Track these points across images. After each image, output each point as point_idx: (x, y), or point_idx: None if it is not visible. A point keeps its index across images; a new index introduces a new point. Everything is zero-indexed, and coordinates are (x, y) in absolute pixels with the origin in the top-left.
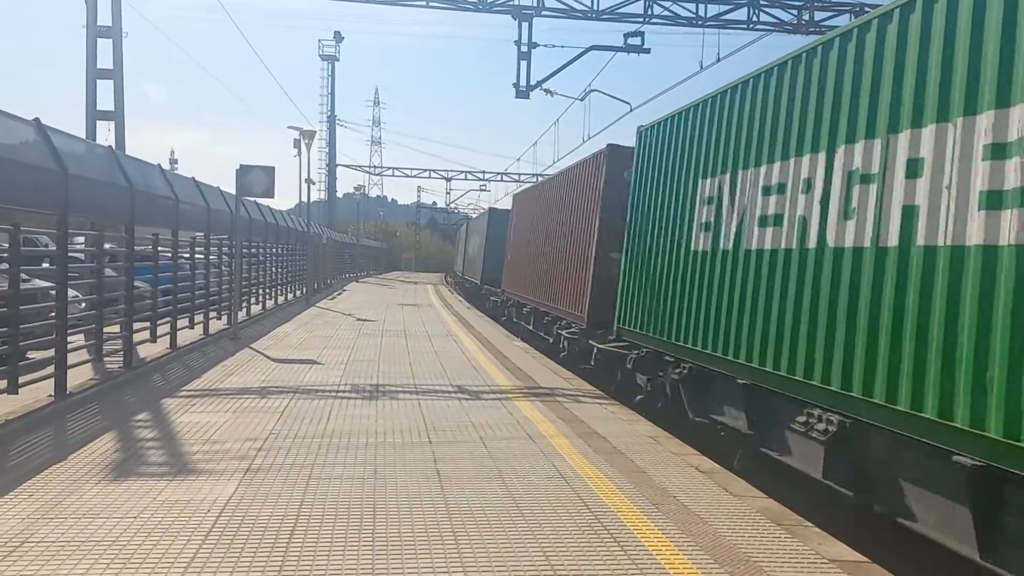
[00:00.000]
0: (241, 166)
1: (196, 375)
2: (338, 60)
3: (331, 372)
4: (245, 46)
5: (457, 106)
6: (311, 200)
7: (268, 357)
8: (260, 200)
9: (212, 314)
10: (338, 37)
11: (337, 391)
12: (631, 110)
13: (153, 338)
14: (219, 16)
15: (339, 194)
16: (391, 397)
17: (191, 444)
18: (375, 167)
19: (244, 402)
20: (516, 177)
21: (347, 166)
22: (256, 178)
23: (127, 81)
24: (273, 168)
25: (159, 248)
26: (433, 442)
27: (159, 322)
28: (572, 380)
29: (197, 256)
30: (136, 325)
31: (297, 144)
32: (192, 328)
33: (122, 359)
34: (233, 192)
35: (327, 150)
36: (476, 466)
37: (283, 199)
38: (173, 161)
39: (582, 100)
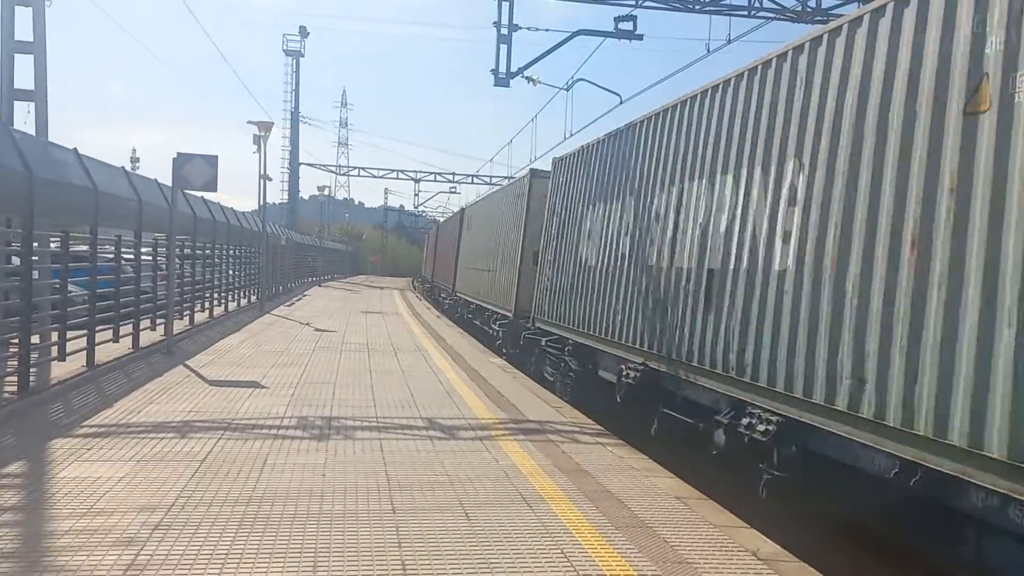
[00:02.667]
0: (179, 154)
1: (108, 403)
2: (303, 56)
3: (275, 399)
4: (211, 46)
5: (427, 109)
6: (274, 202)
7: (203, 378)
8: (210, 196)
9: (147, 324)
10: (303, 32)
11: (279, 427)
12: (621, 102)
13: (61, 355)
14: (181, 12)
15: (305, 196)
16: (346, 436)
17: (63, 519)
18: (340, 166)
19: (156, 445)
20: (488, 180)
21: (311, 164)
22: (196, 168)
23: (89, 76)
24: (216, 157)
25: (70, 247)
26: (398, 510)
27: (71, 335)
28: (563, 409)
29: (127, 257)
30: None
31: (257, 140)
32: (117, 341)
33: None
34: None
35: (290, 148)
36: (459, 556)
37: (245, 199)
38: (135, 160)
39: (568, 90)
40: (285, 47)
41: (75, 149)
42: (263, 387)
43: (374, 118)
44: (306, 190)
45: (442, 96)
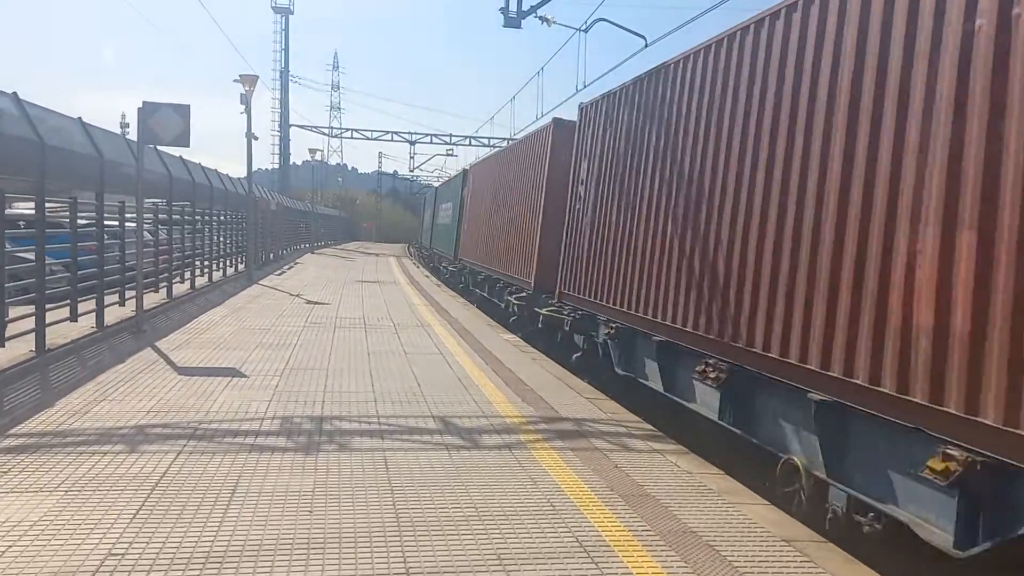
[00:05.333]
0: (145, 103)
1: (48, 401)
2: (292, 13)
3: (256, 391)
4: (202, 10)
5: (426, 68)
6: (265, 167)
7: (173, 364)
8: (203, 160)
9: (120, 298)
10: None
11: (258, 432)
12: (646, 45)
13: None
14: None
15: (298, 162)
16: (341, 445)
17: None
18: (333, 128)
19: (97, 463)
20: (486, 141)
21: (301, 126)
22: (166, 120)
23: (78, 40)
24: (187, 107)
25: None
26: (412, 574)
27: (20, 314)
28: (600, 401)
29: (86, 222)
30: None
31: (244, 99)
32: (75, 320)
33: None
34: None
35: (279, 110)
36: None
37: (235, 164)
38: (124, 124)
39: (585, 31)
40: (274, 3)
41: (14, 93)
42: (242, 375)
43: (368, 79)
44: (299, 155)
45: (443, 55)
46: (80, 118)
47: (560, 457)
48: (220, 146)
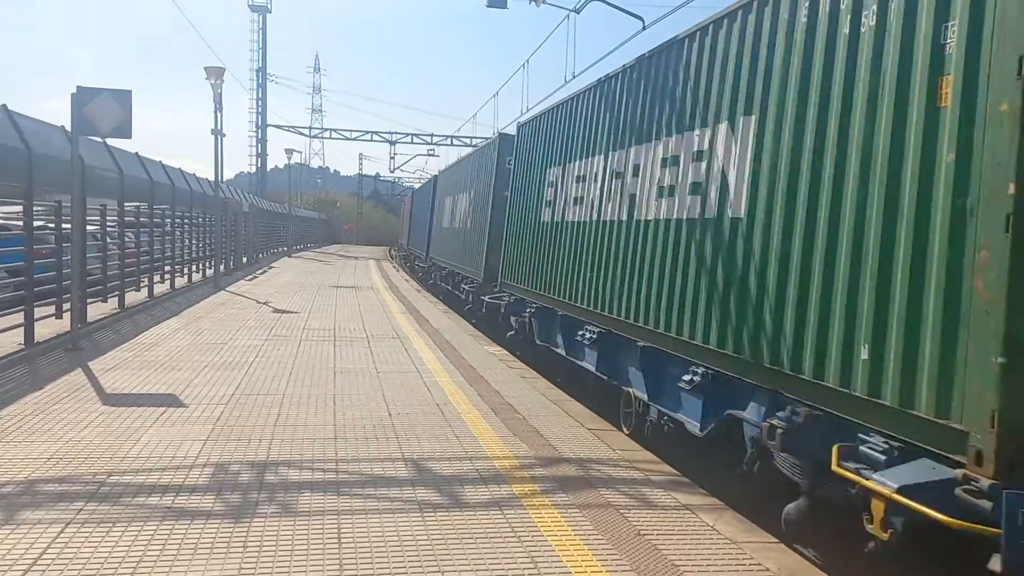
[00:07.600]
0: (79, 89)
1: None
2: (270, 12)
3: (192, 427)
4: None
5: (407, 65)
6: (243, 171)
7: (101, 391)
8: (187, 166)
9: (52, 309)
10: None
11: (181, 488)
12: (644, 28)
13: None
14: None
15: (279, 165)
16: (284, 507)
17: None
18: (312, 127)
19: None
20: (468, 140)
21: (279, 127)
22: (104, 108)
23: (56, 44)
24: (129, 93)
25: None
26: None
27: None
28: (605, 433)
29: (9, 223)
30: None
31: (216, 98)
32: None
33: None
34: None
35: (257, 110)
36: None
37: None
38: None
39: (578, 12)
40: (251, 2)
41: None
42: (180, 405)
43: (349, 79)
44: (280, 159)
45: (425, 53)
46: (4, 105)
47: (565, 519)
48: (206, 149)
